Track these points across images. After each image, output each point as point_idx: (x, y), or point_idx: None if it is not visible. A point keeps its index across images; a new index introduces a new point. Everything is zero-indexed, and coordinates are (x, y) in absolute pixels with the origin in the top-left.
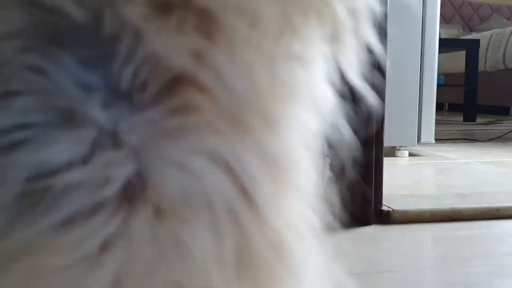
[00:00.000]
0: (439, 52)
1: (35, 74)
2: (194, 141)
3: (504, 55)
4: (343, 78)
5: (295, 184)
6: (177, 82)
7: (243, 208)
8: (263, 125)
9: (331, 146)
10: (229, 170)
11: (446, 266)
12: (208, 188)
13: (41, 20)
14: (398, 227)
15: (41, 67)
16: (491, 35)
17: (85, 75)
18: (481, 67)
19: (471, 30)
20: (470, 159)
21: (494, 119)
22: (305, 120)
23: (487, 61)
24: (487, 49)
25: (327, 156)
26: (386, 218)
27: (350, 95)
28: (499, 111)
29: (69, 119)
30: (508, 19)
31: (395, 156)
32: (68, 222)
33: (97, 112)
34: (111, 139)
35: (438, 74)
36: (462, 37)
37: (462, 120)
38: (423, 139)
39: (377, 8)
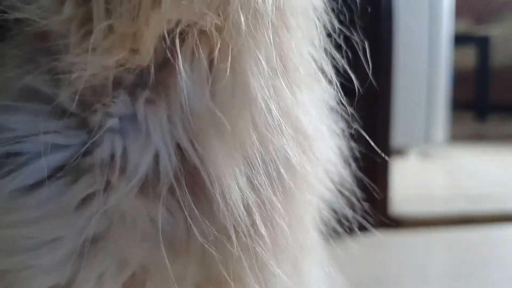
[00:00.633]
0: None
1: None
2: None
3: None
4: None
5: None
6: None
7: None
8: None
9: (338, 148)
10: None
11: (457, 272)
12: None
13: None
14: (407, 232)
15: None
16: (504, 29)
17: None
18: (492, 63)
19: (483, 23)
20: (482, 159)
21: (506, 118)
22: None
23: (499, 57)
24: (498, 44)
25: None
26: (395, 222)
27: (355, 93)
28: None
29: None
30: None
31: (404, 156)
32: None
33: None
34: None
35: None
36: (473, 32)
37: (472, 118)
38: (432, 138)
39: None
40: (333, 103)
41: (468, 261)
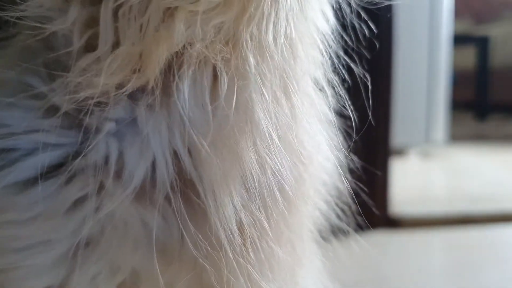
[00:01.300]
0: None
1: None
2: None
3: None
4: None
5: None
6: None
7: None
8: None
9: (337, 147)
10: None
11: (457, 272)
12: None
13: None
14: (406, 232)
15: None
16: (503, 29)
17: None
18: (492, 63)
19: (482, 23)
20: (482, 159)
21: (506, 118)
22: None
23: (498, 57)
24: (498, 44)
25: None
26: (394, 222)
27: (354, 93)
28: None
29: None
30: None
31: (404, 156)
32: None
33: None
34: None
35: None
36: (472, 32)
37: (471, 118)
38: (433, 138)
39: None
40: (332, 114)
41: (468, 261)
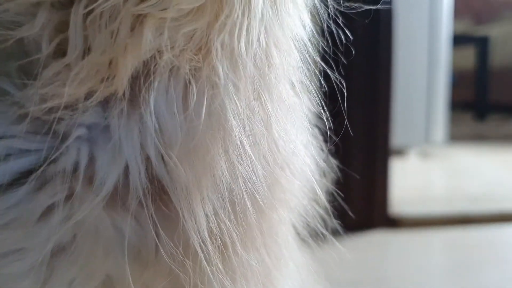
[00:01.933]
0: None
1: None
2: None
3: None
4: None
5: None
6: None
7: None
8: None
9: (336, 147)
10: None
11: (457, 272)
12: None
13: None
14: (406, 232)
15: None
16: (503, 29)
17: None
18: (491, 63)
19: (482, 23)
20: (481, 159)
21: (505, 118)
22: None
23: (498, 57)
24: (498, 44)
25: (332, 158)
26: (394, 222)
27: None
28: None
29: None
30: None
31: (404, 156)
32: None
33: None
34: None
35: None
36: (472, 32)
37: (471, 118)
38: (432, 139)
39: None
40: (313, 117)
41: (468, 261)
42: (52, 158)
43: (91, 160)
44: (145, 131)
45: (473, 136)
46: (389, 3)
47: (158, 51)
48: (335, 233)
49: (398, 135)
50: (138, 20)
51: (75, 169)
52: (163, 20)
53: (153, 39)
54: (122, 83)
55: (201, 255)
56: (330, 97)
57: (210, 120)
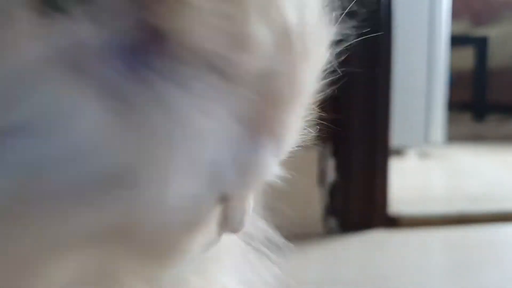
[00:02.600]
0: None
1: None
2: None
3: None
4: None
5: None
6: None
7: None
8: None
9: (336, 147)
10: None
11: (456, 272)
12: None
13: None
14: (405, 231)
15: None
16: (502, 30)
17: None
18: (490, 64)
19: (481, 24)
20: (481, 159)
21: (504, 118)
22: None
23: (497, 58)
24: (497, 45)
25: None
26: (393, 222)
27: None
28: (509, 109)
29: None
30: None
31: (403, 156)
32: None
33: None
34: None
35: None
36: (471, 32)
37: (470, 119)
38: (431, 139)
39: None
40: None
41: (467, 261)
42: None
43: None
44: None
45: (472, 136)
46: (388, 4)
47: None
48: (334, 232)
49: (397, 135)
50: None
51: None
52: None
53: None
54: None
55: None
56: (329, 97)
57: None
